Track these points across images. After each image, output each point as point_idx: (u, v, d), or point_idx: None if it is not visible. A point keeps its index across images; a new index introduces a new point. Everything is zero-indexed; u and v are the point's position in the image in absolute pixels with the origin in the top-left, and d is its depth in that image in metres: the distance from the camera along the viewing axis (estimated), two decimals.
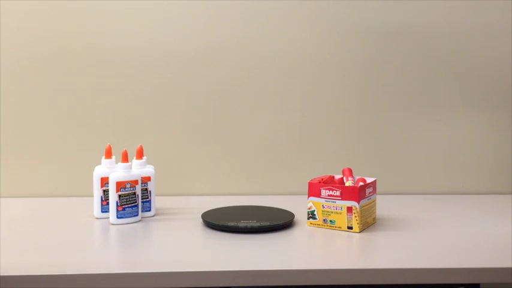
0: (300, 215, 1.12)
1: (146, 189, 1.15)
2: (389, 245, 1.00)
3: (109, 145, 1.14)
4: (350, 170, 1.16)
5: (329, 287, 0.88)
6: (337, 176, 1.16)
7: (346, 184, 1.12)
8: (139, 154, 1.15)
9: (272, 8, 1.38)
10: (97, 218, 1.13)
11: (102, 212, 1.13)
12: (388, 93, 1.42)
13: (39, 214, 1.19)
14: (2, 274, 0.81)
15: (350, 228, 1.05)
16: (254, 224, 1.07)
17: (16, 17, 1.33)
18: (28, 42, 1.34)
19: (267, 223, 1.07)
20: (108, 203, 1.12)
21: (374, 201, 1.12)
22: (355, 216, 1.04)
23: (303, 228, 1.08)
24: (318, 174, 1.16)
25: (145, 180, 1.15)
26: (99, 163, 1.16)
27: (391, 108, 1.42)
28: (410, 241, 1.01)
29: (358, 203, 1.04)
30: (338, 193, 1.06)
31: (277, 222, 1.08)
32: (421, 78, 1.42)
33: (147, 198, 1.15)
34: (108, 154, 1.14)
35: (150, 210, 1.16)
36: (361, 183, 1.08)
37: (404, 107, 1.42)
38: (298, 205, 1.15)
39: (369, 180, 1.11)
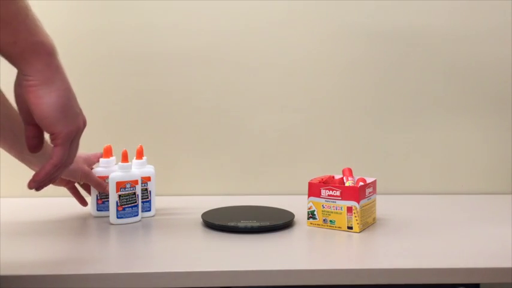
0: (300, 215, 1.12)
1: (146, 189, 1.15)
2: (389, 245, 1.00)
3: (109, 145, 1.14)
4: (350, 170, 1.15)
5: (329, 287, 0.87)
6: (337, 176, 1.16)
7: (346, 184, 1.12)
8: (139, 154, 1.15)
9: (273, 9, 1.38)
10: (95, 217, 1.14)
11: (97, 210, 1.15)
12: (389, 94, 1.42)
13: (38, 214, 1.19)
14: (1, 274, 0.81)
15: (350, 228, 1.05)
16: (254, 224, 1.07)
17: None
18: None
19: (267, 223, 1.07)
20: (103, 202, 1.13)
21: (374, 201, 1.12)
22: (355, 216, 1.04)
23: (303, 228, 1.08)
24: (318, 174, 1.16)
25: (145, 180, 1.15)
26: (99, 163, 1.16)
27: (391, 108, 1.42)
28: (410, 241, 1.01)
29: (358, 203, 1.04)
30: (338, 193, 1.06)
31: (277, 222, 1.08)
32: (421, 79, 1.42)
33: (147, 198, 1.15)
34: (107, 153, 1.14)
35: (150, 210, 1.16)
36: (361, 183, 1.08)
37: (404, 107, 1.42)
38: (298, 205, 1.15)
39: (369, 180, 1.11)
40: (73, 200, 1.30)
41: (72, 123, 0.69)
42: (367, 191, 1.08)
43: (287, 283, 0.86)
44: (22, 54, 0.65)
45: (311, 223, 1.09)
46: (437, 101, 1.43)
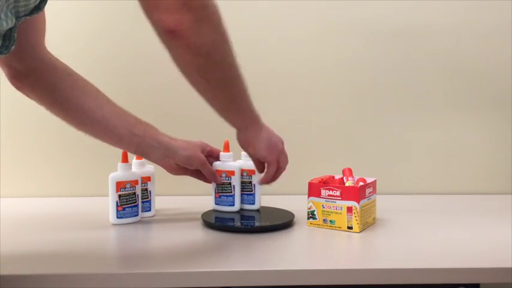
0: (300, 215, 1.12)
1: (146, 189, 1.15)
2: (389, 245, 1.00)
3: (227, 140, 1.16)
4: (350, 170, 1.15)
5: (329, 287, 0.87)
6: (337, 176, 1.16)
7: (346, 184, 1.11)
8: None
9: (273, 8, 1.38)
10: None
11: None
12: (388, 94, 1.42)
13: (38, 214, 1.19)
14: (1, 274, 0.81)
15: (350, 228, 1.05)
16: (254, 224, 1.06)
17: None
18: None
19: (267, 223, 1.07)
20: (220, 196, 1.15)
21: (374, 201, 1.12)
22: (355, 216, 1.04)
23: (303, 228, 1.08)
24: (318, 174, 1.16)
25: (145, 180, 1.14)
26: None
27: (391, 108, 1.42)
28: (410, 241, 1.01)
29: (358, 203, 1.04)
30: (338, 193, 1.06)
31: (277, 222, 1.08)
32: (421, 78, 1.42)
33: (147, 198, 1.15)
34: (226, 148, 1.16)
35: (150, 210, 1.15)
36: (361, 183, 1.08)
37: (404, 107, 1.42)
38: (298, 205, 1.15)
39: (369, 180, 1.11)
40: (73, 200, 1.30)
41: (274, 151, 1.06)
42: (367, 191, 1.08)
43: (287, 283, 0.86)
44: (245, 127, 1.01)
45: (311, 223, 1.09)
46: (438, 101, 1.42)
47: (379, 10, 1.39)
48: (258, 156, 1.05)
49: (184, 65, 0.85)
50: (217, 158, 1.16)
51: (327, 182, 1.11)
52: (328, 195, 1.07)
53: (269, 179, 1.08)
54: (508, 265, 0.88)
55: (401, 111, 1.42)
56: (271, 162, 1.06)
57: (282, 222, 1.08)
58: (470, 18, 1.40)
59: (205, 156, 1.12)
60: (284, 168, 1.09)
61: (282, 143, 1.08)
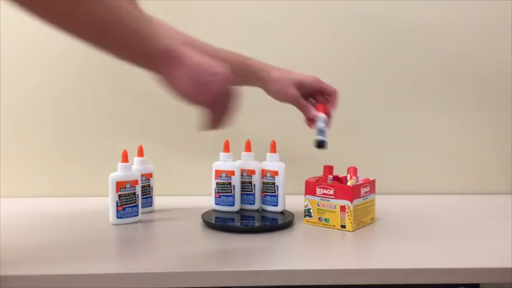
0: (300, 215, 1.12)
1: (149, 186, 1.17)
2: (388, 244, 1.00)
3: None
4: (355, 169, 1.15)
5: (329, 287, 0.87)
6: (341, 175, 1.16)
7: (349, 183, 1.12)
8: (140, 153, 1.16)
9: (271, 7, 1.38)
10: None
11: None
12: (388, 93, 1.42)
13: (38, 214, 1.19)
14: (1, 274, 0.81)
15: (343, 226, 1.05)
16: (254, 224, 1.07)
17: (17, 16, 1.33)
18: (29, 42, 1.34)
19: (267, 223, 1.07)
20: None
21: (372, 200, 1.11)
22: (348, 215, 1.04)
23: (303, 228, 1.08)
24: (318, 174, 1.16)
25: (149, 177, 1.16)
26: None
27: (391, 108, 1.42)
28: (410, 241, 1.01)
29: (351, 202, 1.04)
30: (332, 192, 1.06)
31: (277, 222, 1.08)
32: (421, 77, 1.42)
33: (149, 194, 1.17)
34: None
35: (151, 206, 1.18)
36: (352, 182, 1.09)
37: (404, 106, 1.42)
38: (298, 205, 1.15)
39: (366, 180, 1.11)
40: (73, 200, 1.30)
41: (204, 92, 0.79)
42: (363, 190, 1.08)
43: (287, 283, 0.85)
44: (161, 64, 0.76)
45: (307, 221, 1.09)
46: (438, 101, 1.42)
47: (381, 9, 1.39)
48: (184, 99, 0.81)
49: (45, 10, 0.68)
50: (327, 95, 1.12)
51: (322, 180, 1.11)
52: (323, 193, 1.07)
53: (212, 125, 0.86)
54: (508, 265, 0.88)
55: (401, 111, 1.42)
56: (207, 106, 0.83)
57: (282, 222, 1.08)
58: (472, 17, 1.40)
59: (315, 93, 1.10)
60: (221, 116, 0.85)
61: (219, 82, 0.80)
